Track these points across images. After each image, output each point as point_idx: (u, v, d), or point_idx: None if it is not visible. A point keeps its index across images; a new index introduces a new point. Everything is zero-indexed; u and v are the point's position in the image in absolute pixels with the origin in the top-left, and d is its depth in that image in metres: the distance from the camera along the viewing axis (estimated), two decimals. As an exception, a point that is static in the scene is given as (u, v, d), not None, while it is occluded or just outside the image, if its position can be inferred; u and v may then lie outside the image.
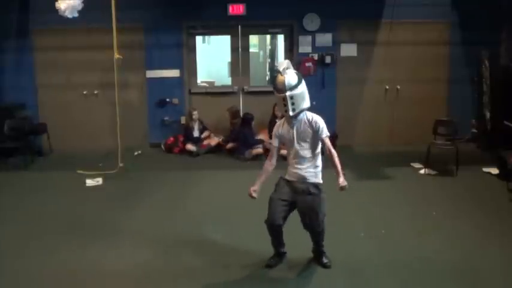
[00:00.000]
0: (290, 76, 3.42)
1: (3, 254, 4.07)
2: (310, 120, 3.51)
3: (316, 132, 3.49)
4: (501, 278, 3.57)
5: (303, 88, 3.45)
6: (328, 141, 3.54)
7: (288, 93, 3.38)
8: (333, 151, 3.53)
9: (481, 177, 6.25)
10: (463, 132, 7.42)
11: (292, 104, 3.40)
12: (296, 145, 3.52)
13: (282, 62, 3.53)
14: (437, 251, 4.02)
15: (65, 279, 3.64)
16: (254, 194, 3.57)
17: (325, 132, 3.51)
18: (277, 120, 7.74)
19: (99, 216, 4.99)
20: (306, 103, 3.48)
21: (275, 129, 3.66)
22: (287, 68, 3.47)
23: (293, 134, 3.52)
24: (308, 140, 3.51)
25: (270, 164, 3.64)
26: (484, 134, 7.44)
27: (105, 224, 4.74)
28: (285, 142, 3.60)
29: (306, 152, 3.52)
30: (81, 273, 3.73)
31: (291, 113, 3.43)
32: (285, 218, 3.58)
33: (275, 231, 3.63)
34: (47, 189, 5.96)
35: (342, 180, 3.44)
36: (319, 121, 3.51)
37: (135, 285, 3.60)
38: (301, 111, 3.48)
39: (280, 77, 3.43)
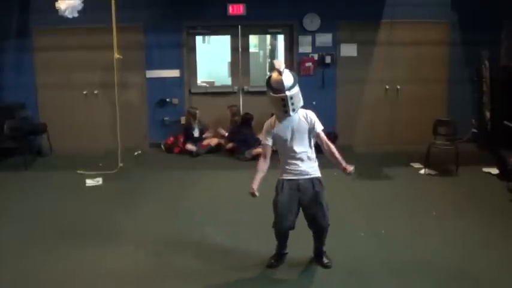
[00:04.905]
0: (287, 76, 3.39)
1: (3, 254, 4.06)
2: (305, 116, 3.53)
3: (311, 127, 3.51)
4: (501, 278, 3.57)
5: (298, 87, 3.44)
6: (323, 135, 3.56)
7: (288, 93, 3.36)
8: (330, 144, 3.55)
9: (481, 177, 6.24)
10: (463, 132, 7.43)
11: (292, 104, 3.39)
12: (295, 142, 3.51)
13: (279, 61, 3.44)
14: (437, 251, 4.02)
15: (64, 279, 3.64)
16: (257, 193, 3.51)
17: (319, 127, 3.53)
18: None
19: (99, 216, 4.99)
20: (301, 101, 3.50)
21: (267, 128, 3.61)
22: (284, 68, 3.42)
23: (291, 132, 3.50)
24: (305, 136, 3.52)
25: (265, 163, 3.59)
26: (484, 134, 7.44)
27: (104, 224, 4.75)
28: (280, 141, 3.56)
29: (305, 148, 3.53)
30: (81, 273, 3.74)
31: (291, 113, 3.42)
32: (294, 221, 3.56)
33: (283, 236, 3.64)
34: (47, 189, 5.96)
35: (345, 164, 3.48)
36: (313, 116, 3.54)
37: (134, 285, 3.60)
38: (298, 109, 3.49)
39: (278, 77, 3.37)
